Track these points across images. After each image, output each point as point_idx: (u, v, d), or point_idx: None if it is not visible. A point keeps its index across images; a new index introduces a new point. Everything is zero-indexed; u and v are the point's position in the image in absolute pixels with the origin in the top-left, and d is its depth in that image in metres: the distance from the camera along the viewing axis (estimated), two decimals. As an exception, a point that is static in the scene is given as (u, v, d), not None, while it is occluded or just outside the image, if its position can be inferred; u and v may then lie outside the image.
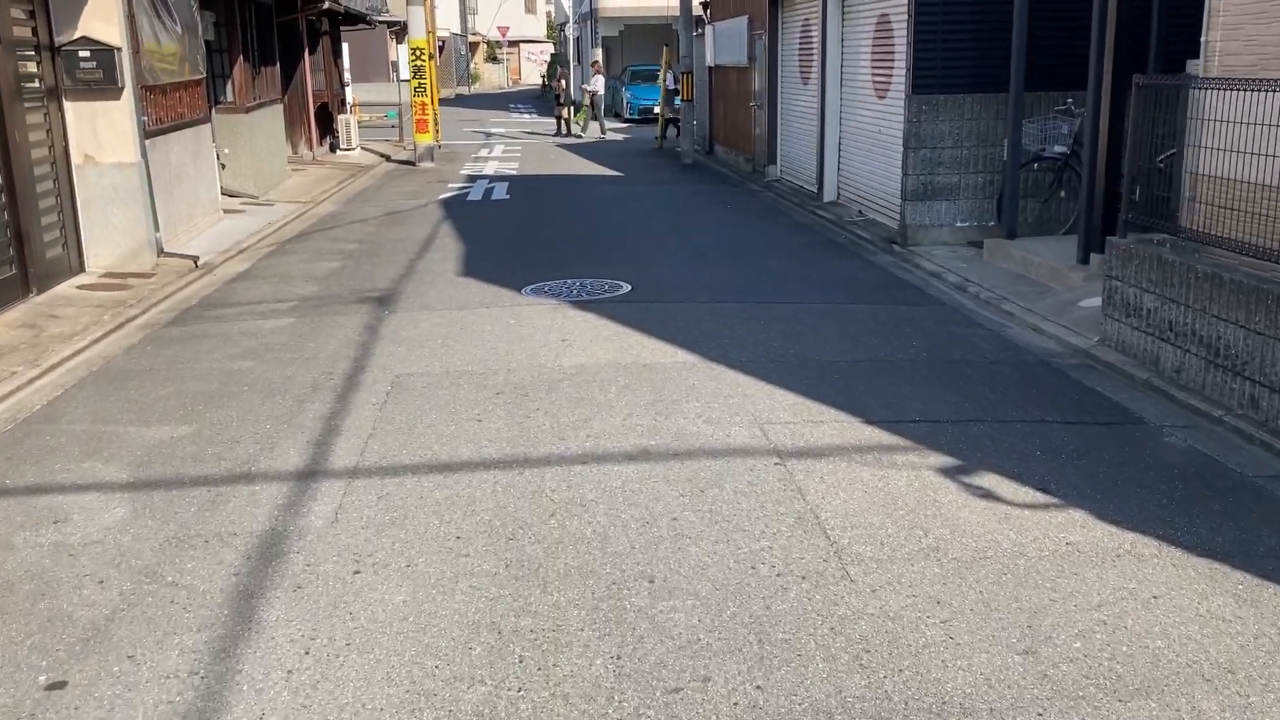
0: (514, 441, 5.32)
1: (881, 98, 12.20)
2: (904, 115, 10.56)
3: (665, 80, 25.60)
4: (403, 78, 37.40)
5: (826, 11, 13.66)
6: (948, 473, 4.87)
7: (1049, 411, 5.78)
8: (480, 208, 14.14)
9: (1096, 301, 7.70)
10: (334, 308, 8.35)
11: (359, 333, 7.54)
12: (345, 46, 30.46)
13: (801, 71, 15.52)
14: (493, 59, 61.74)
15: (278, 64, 17.16)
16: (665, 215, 13.43)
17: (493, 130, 28.83)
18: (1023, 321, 7.75)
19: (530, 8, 64.27)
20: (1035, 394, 6.10)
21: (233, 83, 14.52)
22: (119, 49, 9.44)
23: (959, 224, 10.61)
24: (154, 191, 10.18)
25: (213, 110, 14.24)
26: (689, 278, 9.36)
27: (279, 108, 16.76)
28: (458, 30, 53.30)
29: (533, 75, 60.60)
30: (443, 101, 42.25)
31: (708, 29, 20.87)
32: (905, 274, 9.61)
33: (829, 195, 14.02)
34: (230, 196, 14.40)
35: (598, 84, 27.68)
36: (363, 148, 22.19)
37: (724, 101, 20.39)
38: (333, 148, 20.93)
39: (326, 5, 18.39)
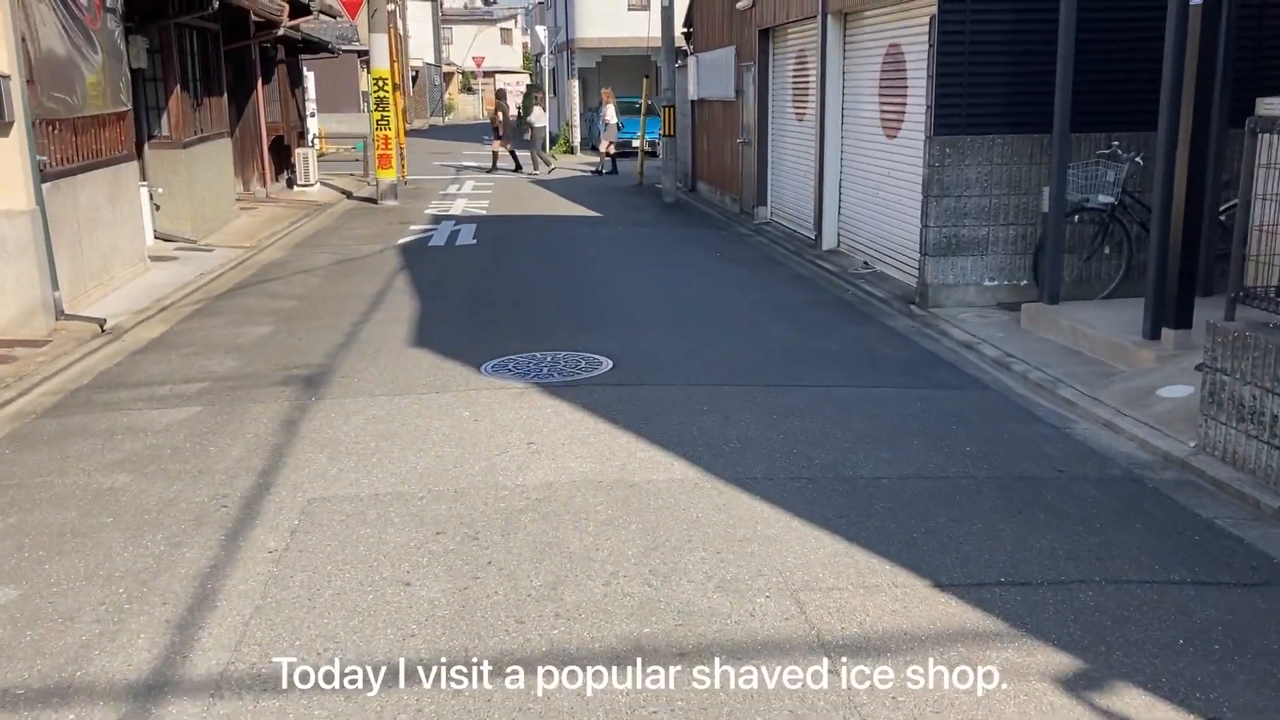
0: (452, 626, 3.78)
1: (891, 137, 10.80)
2: (924, 159, 9.15)
3: (605, 114, 24.32)
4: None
5: (826, 41, 12.30)
6: (1072, 689, 3.38)
7: (1172, 563, 4.31)
8: (443, 255, 12.63)
9: (1181, 391, 6.27)
10: (252, 392, 6.80)
11: (274, 430, 6.00)
12: (310, 76, 29.06)
13: (795, 107, 14.14)
14: (468, 90, 60.39)
15: (225, 94, 15.64)
16: (649, 265, 11.96)
17: (465, 164, 27.34)
18: (1091, 415, 6.29)
19: (506, 39, 63.09)
20: (1141, 532, 4.63)
21: (168, 115, 12.98)
22: (6, 77, 7.91)
23: (987, 283, 9.19)
24: (56, 243, 8.62)
25: (145, 146, 12.72)
26: (681, 348, 7.88)
27: (226, 142, 15.23)
28: (431, 60, 51.97)
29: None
30: (415, 133, 40.88)
31: (690, 60, 19.53)
32: (933, 344, 8.16)
33: (828, 242, 12.60)
34: (166, 241, 12.84)
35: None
36: (324, 183, 20.66)
37: (708, 137, 19.02)
38: (290, 184, 19.41)
39: (281, 32, 16.91)
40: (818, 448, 5.62)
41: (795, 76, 14.13)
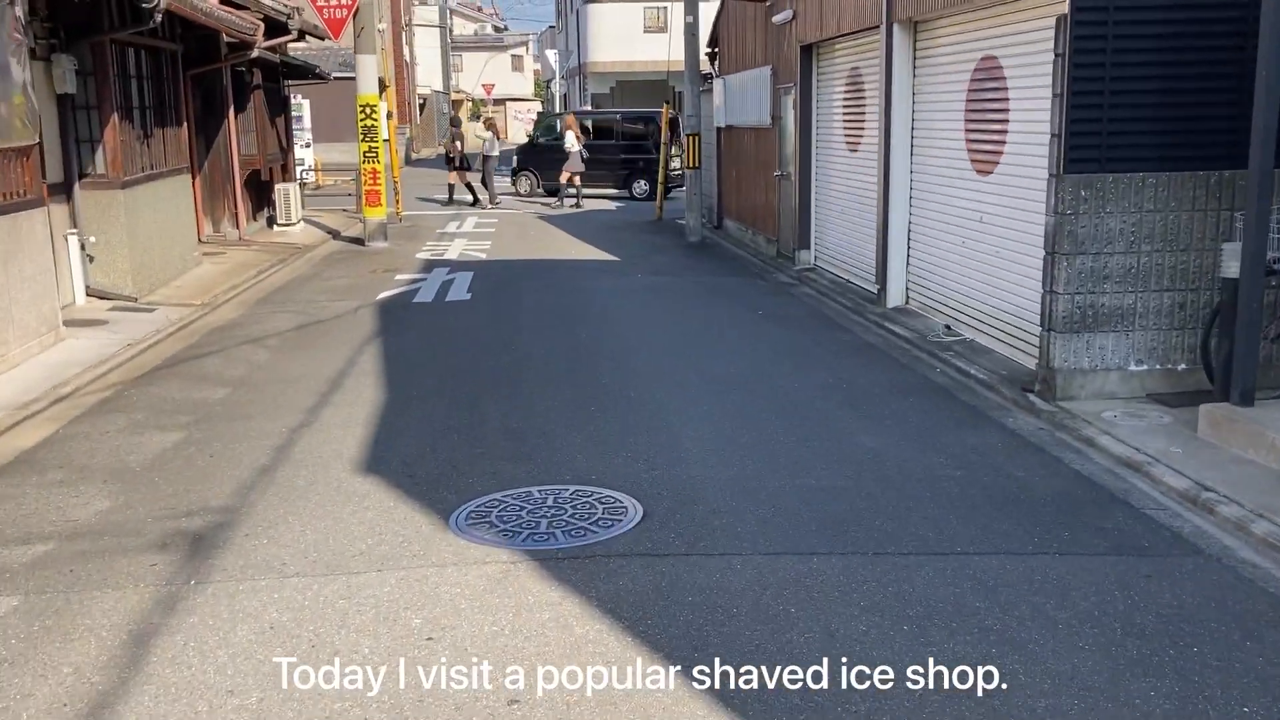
0: None
1: (985, 173, 8.52)
2: (1050, 204, 6.84)
3: (565, 142, 21.91)
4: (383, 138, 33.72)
5: (891, 56, 10.04)
6: None
7: None
8: (428, 316, 10.36)
9: None
10: (110, 564, 4.52)
11: (106, 659, 3.72)
12: (305, 104, 27.01)
13: (848, 135, 11.88)
14: (477, 117, 58.47)
15: (185, 124, 13.50)
16: (677, 328, 9.68)
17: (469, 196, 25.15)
18: (1400, 619, 3.97)
19: (517, 66, 61.27)
20: None
21: (104, 149, 10.79)
22: None
23: (1133, 367, 6.87)
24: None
25: (75, 186, 10.53)
26: (736, 472, 5.58)
27: (184, 180, 13.04)
28: (440, 88, 50.08)
29: (519, 135, 57.36)
30: (421, 162, 38.82)
31: (716, 84, 17.32)
32: (1083, 463, 5.82)
33: (894, 298, 10.31)
34: (101, 299, 10.63)
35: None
36: (310, 221, 18.47)
37: (737, 169, 16.78)
38: (270, 223, 17.23)
39: (256, 54, 14.76)
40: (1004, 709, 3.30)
41: (847, 99, 11.87)
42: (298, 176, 21.26)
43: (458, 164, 22.27)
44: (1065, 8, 6.61)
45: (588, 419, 6.58)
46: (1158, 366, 6.85)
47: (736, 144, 16.67)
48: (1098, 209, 6.66)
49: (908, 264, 10.24)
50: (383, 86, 39.68)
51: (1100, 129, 6.60)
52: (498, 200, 22.30)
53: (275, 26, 15.36)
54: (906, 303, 10.28)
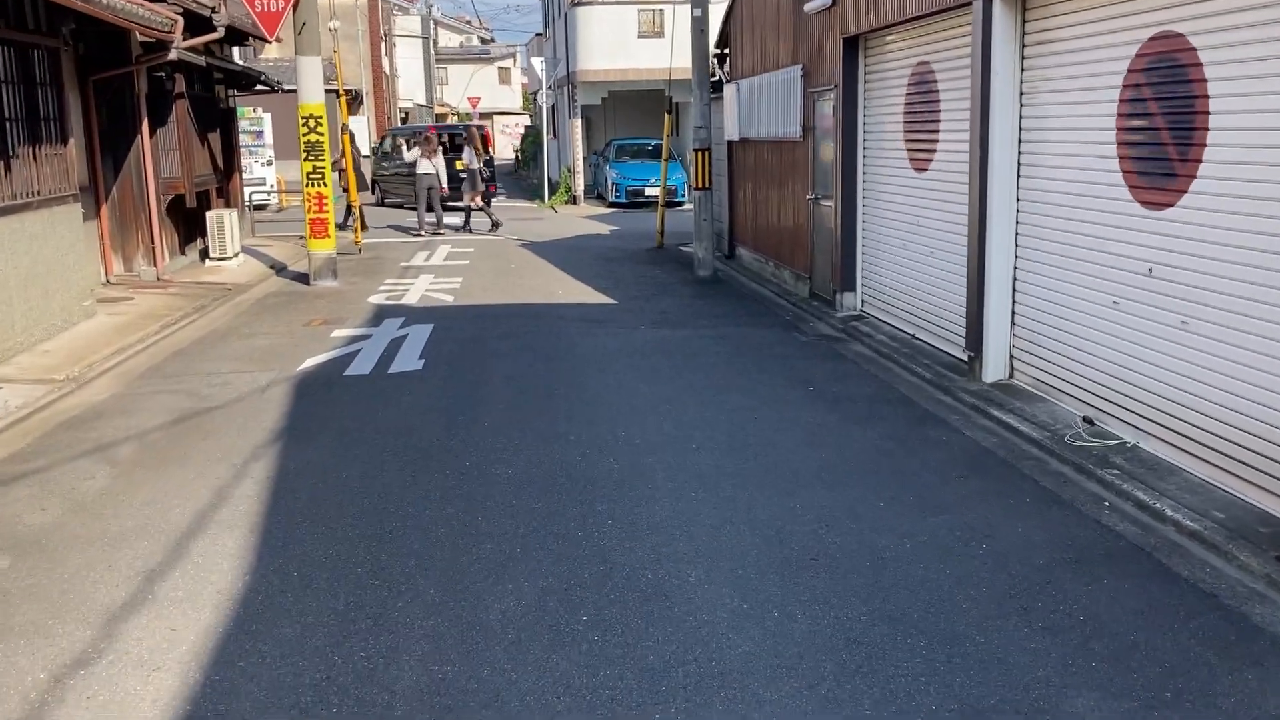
0: None
1: (1157, 205, 5.75)
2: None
3: (464, 157, 18.89)
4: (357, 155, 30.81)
5: (989, 45, 7.27)
6: None
7: None
8: (358, 403, 7.50)
9: None
10: None
11: None
12: (266, 117, 24.20)
13: (913, 149, 9.11)
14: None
15: (81, 141, 10.70)
16: (708, 429, 6.81)
17: (446, 218, 22.35)
18: None
19: (504, 79, 58.54)
20: None
21: (-70, 174, 8.00)
22: None
23: None
24: None
25: (-114, 223, 7.72)
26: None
27: (70, 210, 10.20)
28: (423, 101, 47.33)
29: (506, 149, 54.61)
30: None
31: (728, 90, 14.55)
32: None
33: (993, 369, 7.51)
34: (-75, 373, 7.81)
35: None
36: (254, 252, 15.64)
37: (754, 189, 14.01)
38: (205, 256, 14.39)
39: (174, 55, 11.94)
40: None
41: (911, 105, 9.11)
42: (247, 200, 18.43)
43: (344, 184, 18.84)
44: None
45: (581, 657, 3.76)
46: None
47: (754, 160, 13.90)
48: None
49: (1013, 322, 7.46)
50: (356, 98, 36.89)
51: None
52: (440, 230, 19.21)
53: (199, 23, 12.57)
54: (1010, 375, 7.49)
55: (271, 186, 24.20)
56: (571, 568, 4.47)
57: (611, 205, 25.45)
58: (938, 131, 8.62)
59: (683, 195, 23.75)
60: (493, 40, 59.88)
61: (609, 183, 25.60)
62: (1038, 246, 7.10)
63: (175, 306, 11.30)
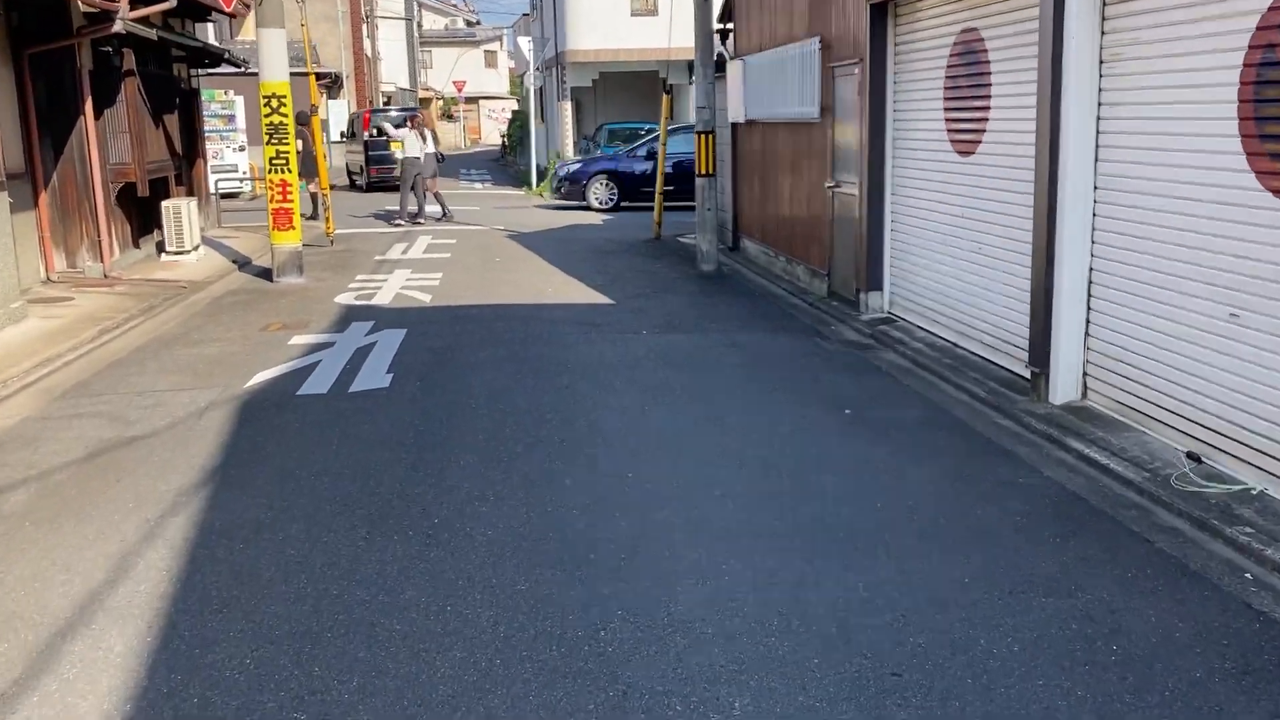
0: None
1: (1306, 195, 4.57)
2: None
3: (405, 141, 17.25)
4: (331, 139, 29.44)
5: (1062, 8, 6.09)
6: None
7: None
8: (310, 431, 6.29)
9: None
10: None
11: None
12: (239, 100, 22.88)
13: (957, 130, 7.92)
14: (448, 117, 54.26)
15: (9, 121, 9.45)
16: (727, 467, 5.63)
17: (427, 208, 21.09)
18: None
19: (491, 62, 57.15)
20: None
21: None
22: None
23: None
24: None
25: None
26: None
27: (-8, 199, 8.97)
28: (407, 85, 45.93)
29: (493, 135, 53.28)
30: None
31: (733, 67, 13.33)
32: None
33: (1063, 388, 6.35)
34: None
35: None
36: (216, 245, 14.39)
37: (763, 176, 12.81)
38: (161, 249, 13.13)
39: (119, 28, 10.67)
40: None
41: (954, 79, 7.92)
42: (213, 188, 17.16)
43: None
44: None
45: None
46: None
47: (762, 144, 12.70)
48: None
49: (1087, 333, 6.29)
50: (336, 81, 35.50)
51: None
52: (419, 219, 17.82)
53: (147, -10, 11.30)
54: (1084, 396, 6.33)
55: (244, 173, 22.89)
56: (570, 692, 3.29)
57: (603, 193, 24.15)
58: (987, 109, 7.43)
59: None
60: (479, 23, 58.43)
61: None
62: (1122, 244, 5.94)
63: (120, 308, 10.06)
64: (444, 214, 18.09)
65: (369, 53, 39.47)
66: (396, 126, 17.39)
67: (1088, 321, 6.28)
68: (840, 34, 9.78)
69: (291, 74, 13.33)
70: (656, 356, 7.99)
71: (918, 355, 7.86)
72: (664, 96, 15.59)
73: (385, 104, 42.30)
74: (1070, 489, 5.14)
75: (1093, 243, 6.21)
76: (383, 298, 10.71)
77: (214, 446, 5.87)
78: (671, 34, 23.26)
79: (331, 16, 36.38)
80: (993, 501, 4.96)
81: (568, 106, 25.36)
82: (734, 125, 13.82)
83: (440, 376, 7.37)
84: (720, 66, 13.81)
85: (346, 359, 7.92)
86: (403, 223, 17.39)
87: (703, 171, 12.63)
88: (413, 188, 17.58)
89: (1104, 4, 5.99)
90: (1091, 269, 6.23)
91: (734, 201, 14.22)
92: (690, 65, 23.09)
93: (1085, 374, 6.34)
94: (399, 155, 17.37)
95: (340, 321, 9.44)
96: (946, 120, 8.08)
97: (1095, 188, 6.16)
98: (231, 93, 22.91)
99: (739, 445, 5.80)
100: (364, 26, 38.25)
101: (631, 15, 23.86)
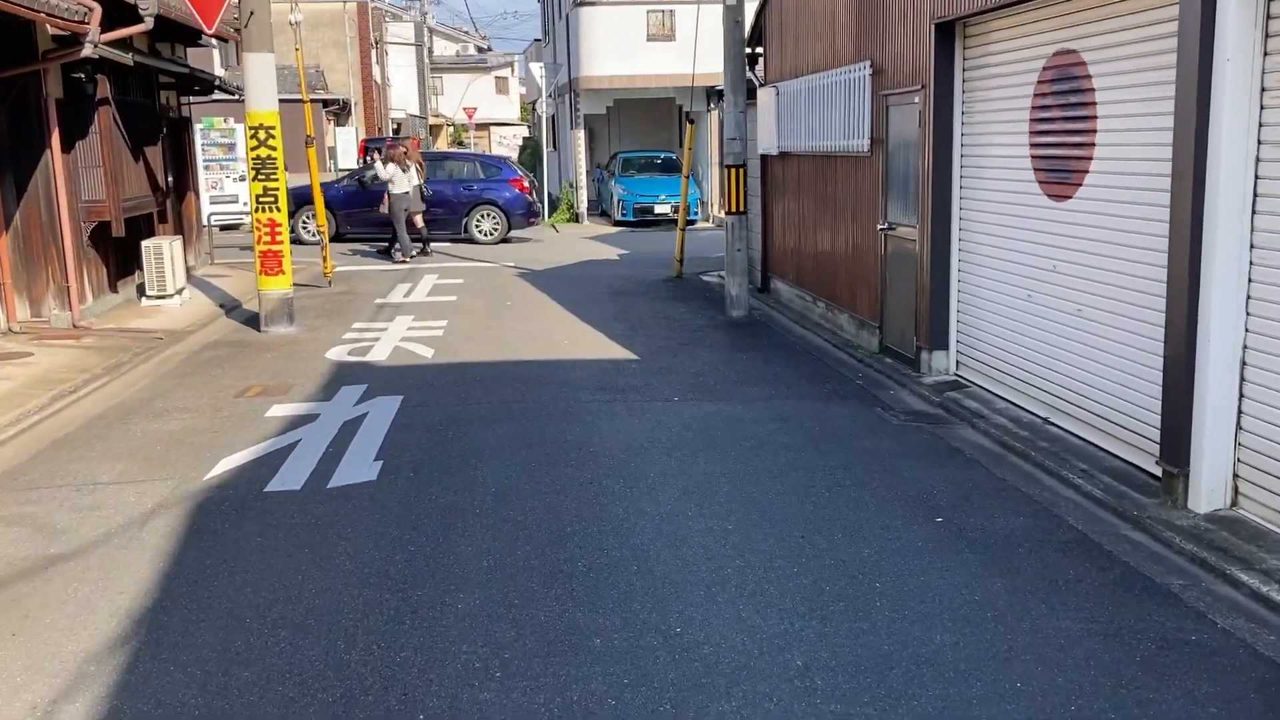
0: None
1: None
2: None
3: (388, 174, 15.88)
4: (340, 167, 28.24)
5: (1213, 16, 4.83)
6: None
7: None
8: (278, 547, 5.02)
9: None
10: None
11: None
12: (239, 129, 21.69)
13: (1046, 168, 6.65)
14: (459, 144, 53.25)
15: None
16: (795, 599, 4.35)
17: (434, 242, 19.92)
18: None
19: (502, 88, 56.15)
20: None
21: None
22: None
23: None
24: None
25: None
26: None
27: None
28: (417, 112, 44.96)
29: (504, 162, 52.14)
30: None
31: (764, 94, 12.11)
32: None
33: (1208, 493, 5.04)
34: None
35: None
36: (207, 285, 13.20)
37: (798, 212, 11.56)
38: (141, 292, 11.92)
39: (89, 52, 9.50)
40: None
41: (1044, 106, 6.66)
42: (206, 221, 16.01)
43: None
44: None
45: None
46: None
47: (797, 178, 11.45)
48: None
49: (1239, 425, 5.00)
50: (344, 108, 34.41)
51: None
52: (412, 255, 16.56)
53: (124, 10, 10.13)
54: (1234, 504, 5.04)
55: (244, 204, 21.69)
56: None
57: (618, 224, 23.01)
58: (1090, 146, 6.18)
59: (695, 214, 21.37)
60: (490, 49, 57.49)
61: (615, 199, 23.14)
62: (1295, 317, 4.66)
63: (83, 366, 8.84)
64: (424, 249, 16.75)
65: (378, 79, 38.49)
66: (384, 163, 15.89)
67: (1240, 410, 5.00)
68: (896, 58, 8.55)
69: (290, 100, 12.18)
70: (694, 435, 6.71)
71: (1004, 434, 6.57)
72: (688, 125, 14.37)
73: (395, 130, 41.25)
74: (1262, 651, 3.84)
75: (1247, 314, 4.94)
76: (380, 352, 9.47)
77: (150, 575, 4.60)
78: (689, 58, 22.06)
79: (340, 42, 35.41)
80: (1169, 679, 3.66)
81: (581, 134, 24.20)
82: (763, 157, 12.59)
83: (438, 466, 6.10)
84: (750, 94, 12.59)
85: (330, 438, 6.65)
86: (407, 261, 16.17)
87: (732, 209, 11.38)
88: (400, 222, 16.21)
89: (1268, 17, 4.74)
90: (1245, 346, 4.95)
91: (763, 240, 12.97)
92: (709, 92, 21.95)
93: (1236, 474, 5.05)
94: (392, 190, 15.90)
95: (328, 385, 8.19)
96: (1033, 158, 6.83)
97: (1251, 246, 4.89)
98: (231, 120, 21.75)
99: (812, 578, 4.51)
100: (373, 52, 37.27)
101: (648, 40, 22.70)
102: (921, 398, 7.72)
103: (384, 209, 16.32)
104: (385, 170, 15.95)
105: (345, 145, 33.07)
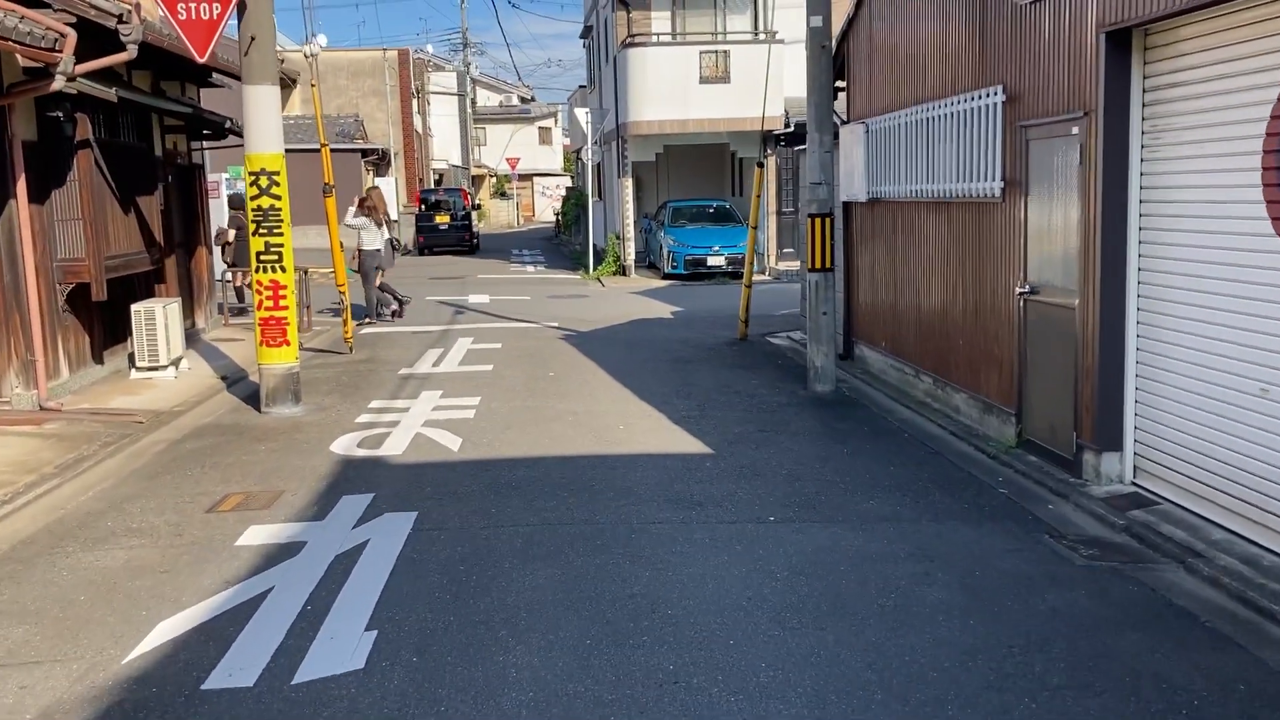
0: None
1: None
2: None
3: (351, 217, 13.95)
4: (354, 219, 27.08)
5: None
6: None
7: None
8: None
9: None
10: None
11: None
12: (234, 179, 20.28)
13: (1305, 217, 4.75)
14: (501, 194, 52.06)
15: None
16: None
17: (472, 298, 18.31)
18: None
19: (545, 139, 55.12)
20: None
21: None
22: None
23: None
24: None
25: None
26: None
27: None
28: (459, 162, 43.77)
29: (546, 212, 50.96)
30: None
31: (848, 133, 10.33)
32: None
33: None
34: None
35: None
36: (215, 352, 11.56)
37: (893, 268, 9.69)
38: (133, 363, 10.27)
39: (60, 85, 7.94)
40: None
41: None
42: (221, 276, 14.44)
43: (231, 259, 14.63)
44: None
45: None
46: None
47: (893, 228, 9.61)
48: None
49: None
50: (384, 157, 33.12)
51: None
52: (387, 315, 14.81)
53: (103, 37, 8.57)
54: None
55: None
56: None
57: (667, 277, 21.25)
58: (1381, 183, 4.28)
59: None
60: (533, 99, 56.53)
61: (664, 251, 21.40)
62: None
63: (32, 462, 7.14)
64: (397, 310, 14.92)
65: (419, 129, 37.30)
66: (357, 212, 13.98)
67: None
68: (1040, 80, 6.71)
69: (337, 150, 10.64)
70: (809, 586, 4.82)
71: (1234, 581, 4.63)
72: (756, 169, 12.57)
73: (437, 181, 40.03)
74: None
75: None
76: (396, 443, 7.68)
77: None
78: (741, 103, 20.46)
79: (380, 91, 34.28)
80: None
81: (628, 183, 22.56)
82: (845, 204, 10.78)
83: (452, 643, 4.25)
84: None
85: (312, 587, 4.84)
86: (373, 321, 14.32)
87: (816, 265, 9.55)
88: (371, 282, 14.37)
89: None
90: None
91: (846, 299, 11.11)
92: (764, 137, 20.27)
93: None
94: (362, 246, 14.01)
95: (326, 493, 6.39)
96: (1270, 204, 4.93)
97: None
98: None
99: None
100: (414, 102, 36.10)
101: (700, 83, 21.07)
102: (1096, 517, 5.77)
103: (354, 265, 14.44)
104: (356, 220, 14.03)
105: (386, 194, 31.85)
